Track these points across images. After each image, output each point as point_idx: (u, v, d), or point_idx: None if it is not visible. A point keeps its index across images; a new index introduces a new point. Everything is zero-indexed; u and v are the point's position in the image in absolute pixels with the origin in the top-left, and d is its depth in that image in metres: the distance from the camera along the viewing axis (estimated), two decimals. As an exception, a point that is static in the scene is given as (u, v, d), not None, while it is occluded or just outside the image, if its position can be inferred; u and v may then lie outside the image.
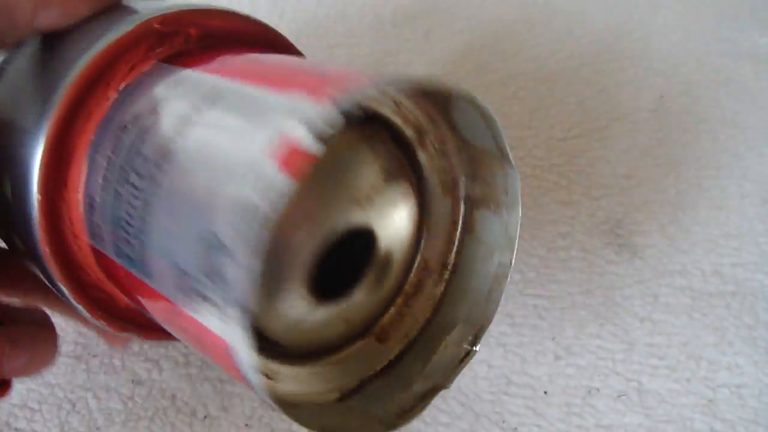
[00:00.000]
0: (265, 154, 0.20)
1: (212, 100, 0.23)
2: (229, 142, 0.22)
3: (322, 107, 0.20)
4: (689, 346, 0.33)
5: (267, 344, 0.26)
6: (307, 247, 0.26)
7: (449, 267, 0.30)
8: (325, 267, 0.26)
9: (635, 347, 0.33)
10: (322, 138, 0.20)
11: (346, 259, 0.27)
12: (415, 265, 0.30)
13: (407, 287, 0.30)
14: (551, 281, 0.35)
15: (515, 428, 0.31)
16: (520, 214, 0.27)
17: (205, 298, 0.22)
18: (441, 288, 0.30)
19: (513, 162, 0.26)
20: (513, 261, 0.28)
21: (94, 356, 0.35)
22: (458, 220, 0.29)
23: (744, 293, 0.34)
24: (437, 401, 0.32)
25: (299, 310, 0.27)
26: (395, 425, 0.28)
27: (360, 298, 0.29)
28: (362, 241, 0.27)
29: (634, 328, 0.33)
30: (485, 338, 0.33)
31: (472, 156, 0.28)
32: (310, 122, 0.20)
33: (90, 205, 0.26)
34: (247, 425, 0.32)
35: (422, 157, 0.28)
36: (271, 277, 0.24)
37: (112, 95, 0.26)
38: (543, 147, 0.40)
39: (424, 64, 0.44)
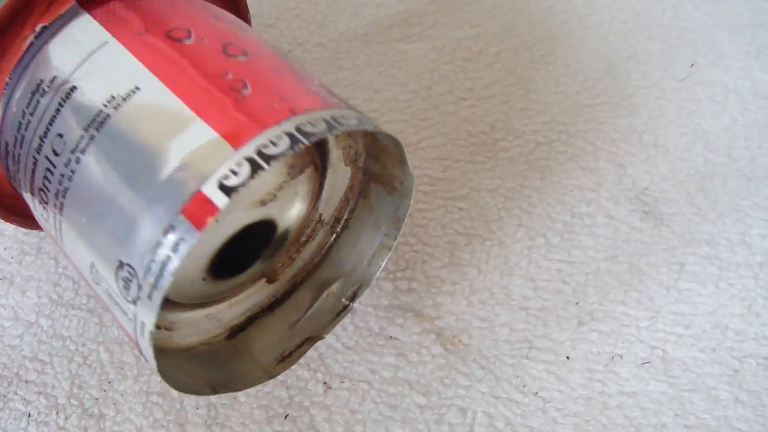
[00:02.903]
0: (175, 203, 0.21)
1: (125, 97, 0.23)
2: (136, 172, 0.22)
3: (235, 161, 0.20)
4: (715, 315, 0.32)
5: (166, 304, 0.27)
6: (208, 250, 0.28)
7: (341, 222, 0.31)
8: (224, 253, 0.28)
9: (660, 315, 0.32)
10: (230, 192, 0.20)
11: (246, 241, 0.29)
12: (311, 220, 0.31)
13: (302, 238, 0.31)
14: (575, 247, 0.34)
15: (536, 392, 0.30)
16: (410, 203, 0.29)
17: (109, 292, 0.24)
18: (331, 239, 0.31)
19: (411, 171, 0.27)
20: (397, 239, 0.30)
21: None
22: (356, 185, 0.30)
23: (772, 265, 0.33)
24: (458, 363, 0.31)
25: (199, 289, 0.29)
26: (275, 372, 0.30)
27: (257, 267, 0.30)
28: (263, 227, 0.29)
29: (659, 296, 0.33)
30: (507, 300, 0.33)
31: (376, 141, 0.28)
32: (221, 178, 0.20)
33: (5, 150, 0.26)
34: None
35: (330, 138, 0.28)
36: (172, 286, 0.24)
37: (29, 36, 0.25)
38: (569, 112, 0.39)
39: (450, 27, 0.44)
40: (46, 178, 0.24)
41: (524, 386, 0.31)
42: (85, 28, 0.25)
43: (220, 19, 0.25)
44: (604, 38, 0.43)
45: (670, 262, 0.34)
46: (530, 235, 0.35)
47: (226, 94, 0.22)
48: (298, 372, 0.32)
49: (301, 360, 0.32)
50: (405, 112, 0.40)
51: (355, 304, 0.31)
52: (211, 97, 0.22)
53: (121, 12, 0.25)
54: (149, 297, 0.21)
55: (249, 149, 0.21)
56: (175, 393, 0.32)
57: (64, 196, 0.24)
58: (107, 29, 0.24)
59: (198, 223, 0.20)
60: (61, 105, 0.23)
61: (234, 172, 0.20)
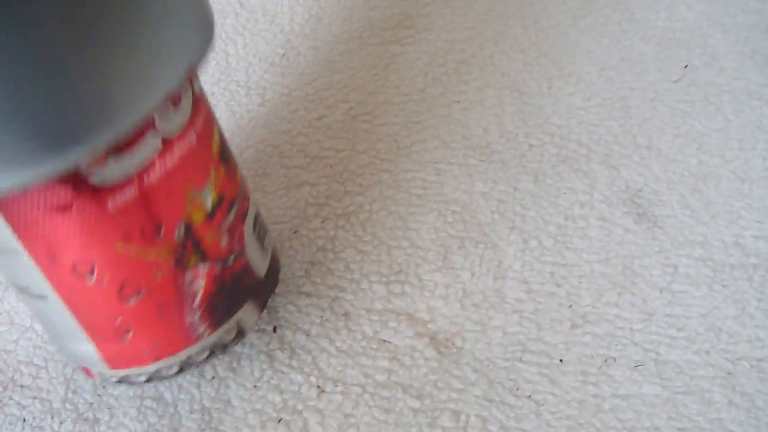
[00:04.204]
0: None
1: (37, 296, 0.27)
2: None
3: (111, 375, 0.30)
4: (709, 317, 0.32)
5: None
6: None
7: None
8: None
9: (654, 317, 0.32)
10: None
11: None
12: None
13: None
14: (568, 249, 0.34)
15: (529, 396, 0.30)
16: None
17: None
18: None
19: None
20: None
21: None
22: None
23: (766, 266, 0.33)
24: (451, 366, 0.31)
25: None
26: None
27: None
28: None
29: (653, 299, 0.33)
30: (500, 303, 0.33)
31: None
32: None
33: None
34: (255, 387, 0.32)
35: None
36: None
37: None
38: (562, 115, 0.39)
39: (443, 29, 0.44)
40: None
41: (517, 389, 0.30)
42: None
43: (129, 238, 0.26)
44: (597, 40, 0.43)
45: (663, 264, 0.34)
46: (523, 238, 0.35)
47: (114, 334, 0.28)
48: (291, 376, 0.32)
49: (295, 363, 0.32)
50: (398, 115, 0.40)
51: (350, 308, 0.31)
52: (103, 334, 0.28)
53: (35, 226, 0.25)
54: None
55: (120, 374, 0.30)
56: (169, 397, 0.32)
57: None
58: (20, 240, 0.25)
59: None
60: None
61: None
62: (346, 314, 0.33)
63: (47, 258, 0.25)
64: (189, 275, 0.27)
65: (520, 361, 0.31)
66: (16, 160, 0.20)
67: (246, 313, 0.31)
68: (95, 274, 0.26)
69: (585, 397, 0.30)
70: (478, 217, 0.36)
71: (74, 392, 0.33)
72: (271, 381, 0.32)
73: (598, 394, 0.30)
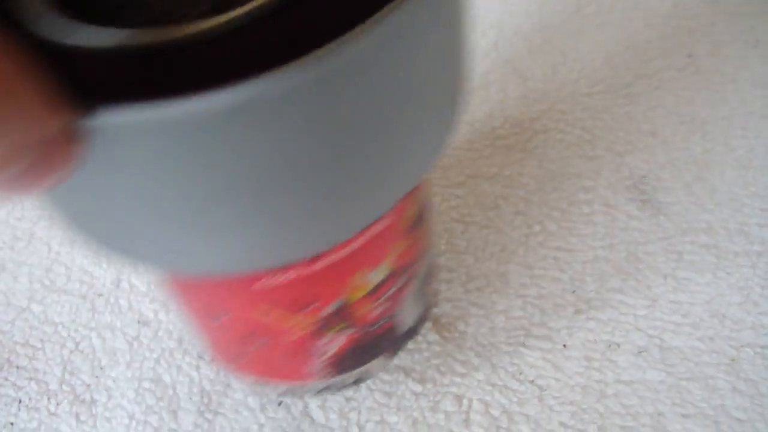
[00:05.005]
0: None
1: None
2: None
3: None
4: (713, 304, 0.32)
5: None
6: None
7: None
8: None
9: (658, 304, 0.32)
10: None
11: None
12: None
13: None
14: (572, 235, 0.34)
15: (532, 380, 0.30)
16: None
17: None
18: None
19: None
20: None
21: (100, 295, 0.35)
22: None
23: (770, 254, 0.33)
24: (454, 350, 0.31)
25: None
26: None
27: None
28: None
29: (657, 285, 0.32)
30: (503, 287, 0.33)
31: None
32: None
33: None
34: (256, 368, 0.31)
35: None
36: None
37: None
38: (567, 101, 0.39)
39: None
40: None
41: (520, 374, 0.30)
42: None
43: (275, 305, 0.24)
44: (602, 27, 0.43)
45: (667, 250, 0.33)
46: (528, 223, 0.35)
47: (228, 356, 0.27)
48: (292, 359, 0.31)
49: (296, 347, 0.32)
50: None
51: None
52: (217, 351, 0.27)
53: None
54: None
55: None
56: (167, 379, 0.31)
57: None
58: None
59: None
60: None
61: None
62: (347, 297, 0.33)
63: (177, 288, 0.24)
64: (326, 339, 0.25)
65: (523, 345, 0.31)
66: (280, 253, 0.18)
67: (374, 364, 0.29)
68: (222, 321, 0.24)
69: (588, 382, 0.30)
70: (482, 202, 0.36)
71: (71, 374, 0.32)
72: (272, 363, 0.31)
73: (601, 380, 0.30)
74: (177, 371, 0.32)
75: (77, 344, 0.33)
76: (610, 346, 0.31)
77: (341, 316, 0.24)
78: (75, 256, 0.36)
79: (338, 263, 0.22)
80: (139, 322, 0.34)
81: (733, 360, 0.30)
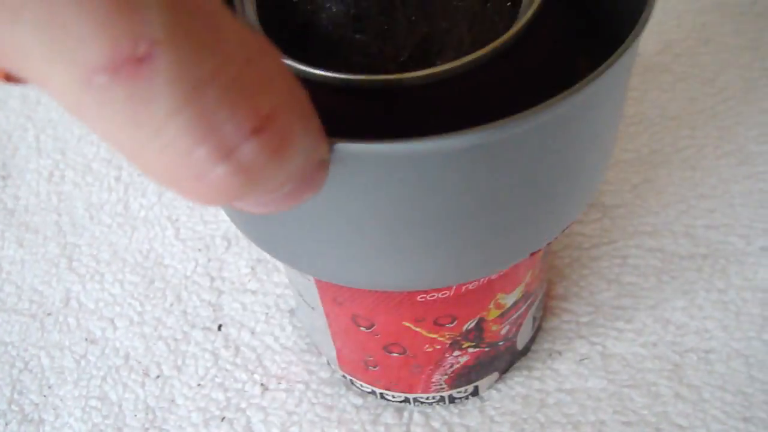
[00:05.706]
0: None
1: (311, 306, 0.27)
2: None
3: None
4: (657, 309, 0.32)
5: None
6: None
7: None
8: None
9: (601, 310, 0.32)
10: None
11: None
12: None
13: None
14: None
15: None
16: None
17: None
18: None
19: None
20: None
21: (49, 314, 0.35)
22: None
23: (716, 256, 0.33)
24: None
25: None
26: None
27: None
28: None
29: (600, 290, 0.32)
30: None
31: None
32: None
33: None
34: (199, 385, 0.31)
35: None
36: None
37: None
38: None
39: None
40: None
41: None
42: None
43: (420, 321, 0.25)
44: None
45: (612, 255, 0.33)
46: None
47: (359, 362, 0.28)
48: (235, 374, 0.31)
49: (239, 361, 0.32)
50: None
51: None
52: (349, 357, 0.28)
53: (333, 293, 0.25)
54: None
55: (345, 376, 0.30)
56: (114, 397, 0.32)
57: None
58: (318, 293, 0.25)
59: None
60: None
61: None
62: (291, 311, 0.33)
63: (331, 299, 0.25)
64: (457, 353, 0.27)
65: (466, 356, 0.31)
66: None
67: (486, 379, 0.30)
68: (370, 330, 0.26)
69: (529, 392, 0.30)
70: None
71: (20, 393, 0.32)
72: (216, 379, 0.31)
73: (542, 389, 0.30)
74: (123, 388, 0.32)
75: (26, 363, 0.33)
76: (551, 354, 0.31)
77: (476, 332, 0.26)
78: (26, 275, 0.36)
79: (486, 285, 0.24)
80: (86, 340, 0.34)
81: (676, 365, 0.30)
